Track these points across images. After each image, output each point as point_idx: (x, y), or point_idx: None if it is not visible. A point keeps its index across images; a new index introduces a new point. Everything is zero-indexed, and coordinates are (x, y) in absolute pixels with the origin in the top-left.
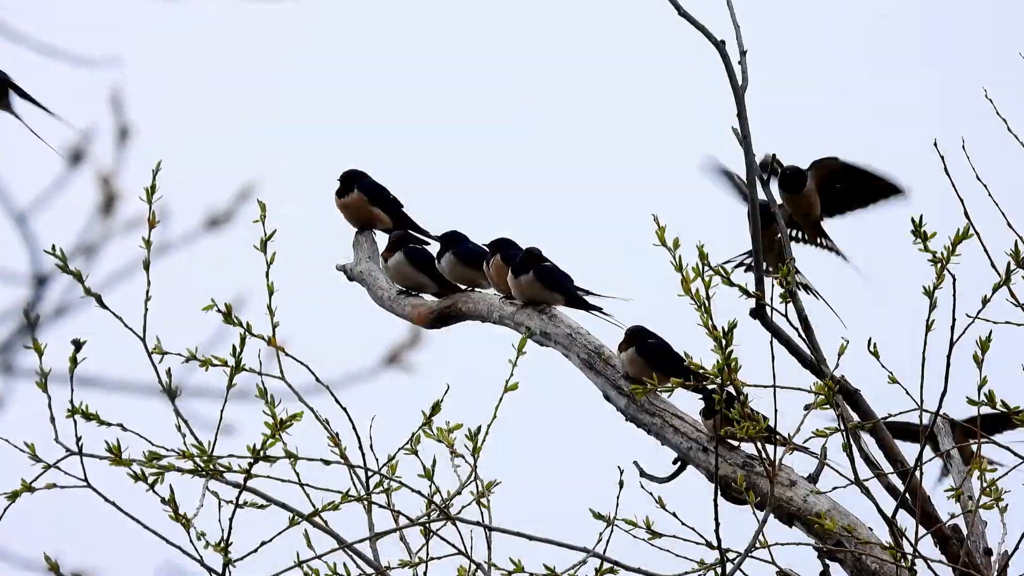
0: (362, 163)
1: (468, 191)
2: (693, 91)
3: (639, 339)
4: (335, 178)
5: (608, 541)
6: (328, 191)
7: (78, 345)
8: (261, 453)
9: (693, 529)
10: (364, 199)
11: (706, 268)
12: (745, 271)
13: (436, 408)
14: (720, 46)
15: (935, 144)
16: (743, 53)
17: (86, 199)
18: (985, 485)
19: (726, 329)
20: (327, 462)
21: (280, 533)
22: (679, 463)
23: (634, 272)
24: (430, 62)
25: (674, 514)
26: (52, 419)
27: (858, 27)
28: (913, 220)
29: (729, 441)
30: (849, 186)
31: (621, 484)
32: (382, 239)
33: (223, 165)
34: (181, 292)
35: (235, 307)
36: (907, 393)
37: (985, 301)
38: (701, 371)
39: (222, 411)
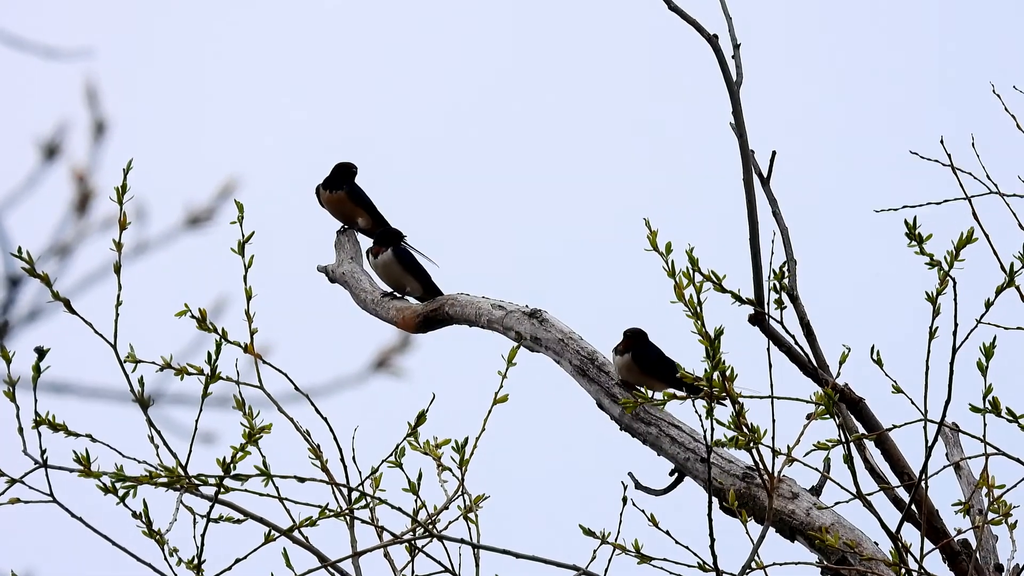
0: (346, 158)
1: (459, 186)
2: (688, 87)
3: (636, 344)
4: (327, 167)
5: (606, 559)
6: (308, 188)
7: (41, 353)
8: (232, 467)
9: (687, 548)
10: (348, 200)
11: (697, 274)
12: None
13: (421, 418)
14: (713, 41)
15: (941, 142)
16: (736, 47)
17: (60, 197)
18: (992, 500)
19: (712, 337)
20: (301, 479)
21: (256, 549)
22: (676, 474)
23: (627, 275)
24: (421, 56)
25: (667, 532)
26: (20, 430)
27: (860, 17)
28: (907, 222)
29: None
30: None
31: (625, 500)
32: (364, 240)
33: (203, 161)
34: (158, 296)
35: (213, 312)
36: (912, 403)
37: (988, 305)
38: (695, 382)
39: (197, 421)
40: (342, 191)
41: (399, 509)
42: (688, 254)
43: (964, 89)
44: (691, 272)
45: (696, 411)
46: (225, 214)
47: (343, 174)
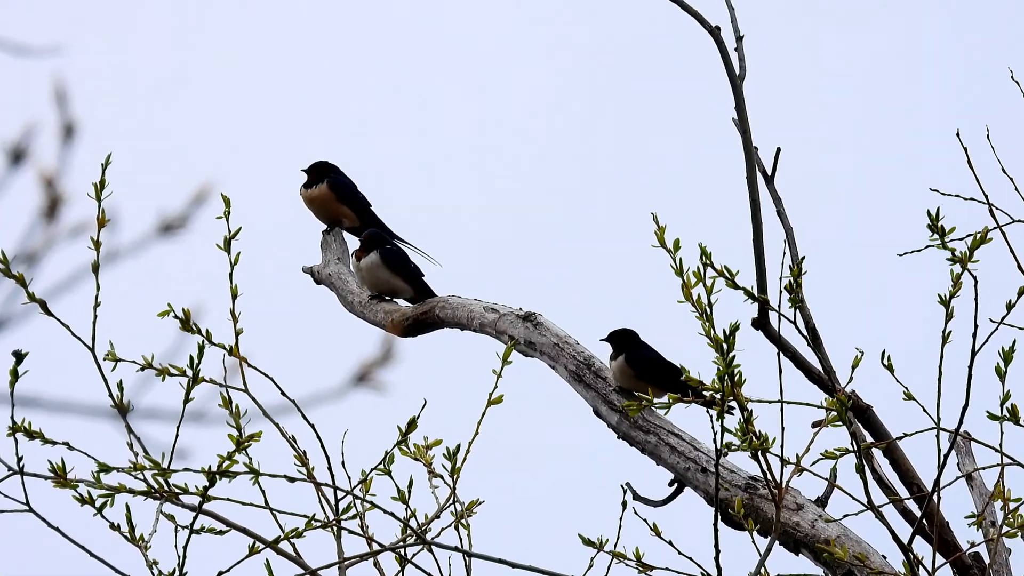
0: (330, 156)
1: (449, 186)
2: (690, 80)
3: (628, 347)
4: (302, 169)
5: (604, 569)
6: (292, 187)
7: (19, 357)
8: (219, 477)
9: (691, 559)
10: (332, 195)
11: (708, 271)
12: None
13: (412, 424)
14: (715, 32)
15: (958, 135)
16: (739, 39)
17: (28, 202)
18: (1007, 512)
19: (727, 332)
20: (292, 479)
21: (240, 561)
22: (676, 484)
23: (627, 275)
24: (411, 53)
25: (670, 542)
26: None
27: (868, 6)
28: (929, 213)
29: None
30: None
31: (624, 504)
32: (352, 239)
33: (177, 163)
34: (133, 305)
35: (195, 315)
36: (924, 410)
37: (1010, 306)
38: (700, 385)
39: (178, 427)
40: (323, 185)
41: (391, 514)
42: (701, 248)
43: (979, 78)
44: (702, 270)
45: (710, 416)
46: (199, 220)
47: (322, 171)
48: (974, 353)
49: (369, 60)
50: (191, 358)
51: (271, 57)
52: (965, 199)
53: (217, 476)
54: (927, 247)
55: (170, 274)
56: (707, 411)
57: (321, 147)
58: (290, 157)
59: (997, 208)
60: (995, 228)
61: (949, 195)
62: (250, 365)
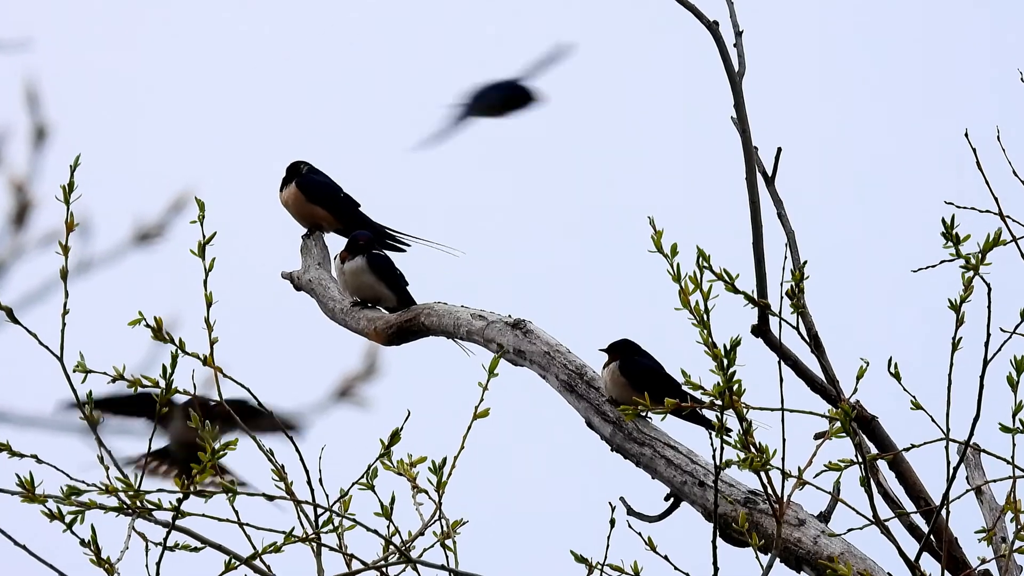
0: (316, 155)
1: (437, 187)
2: (688, 77)
3: (624, 356)
4: (279, 168)
5: None
6: (271, 189)
7: None
8: (193, 487)
9: None
10: (300, 196)
11: (706, 275)
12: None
13: (395, 437)
14: (713, 27)
15: (966, 135)
16: (739, 34)
17: None
18: (1019, 527)
19: (728, 347)
20: (271, 497)
21: None
22: (672, 499)
23: (621, 282)
24: (404, 47)
25: (666, 558)
26: None
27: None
28: (944, 221)
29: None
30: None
31: (612, 522)
32: (336, 243)
33: (153, 166)
34: (108, 315)
35: (169, 324)
36: (932, 420)
37: None
38: (700, 391)
39: (151, 440)
40: (291, 186)
41: (374, 532)
42: (699, 251)
43: (989, 79)
44: (698, 276)
45: (710, 435)
46: (177, 229)
47: (293, 171)
48: (986, 362)
49: (360, 58)
50: (164, 368)
51: (253, 55)
52: (981, 211)
53: (192, 492)
54: (942, 262)
55: (146, 283)
56: (709, 432)
57: (305, 147)
58: (269, 158)
59: (1011, 219)
60: (1011, 241)
61: (964, 208)
62: (226, 376)
